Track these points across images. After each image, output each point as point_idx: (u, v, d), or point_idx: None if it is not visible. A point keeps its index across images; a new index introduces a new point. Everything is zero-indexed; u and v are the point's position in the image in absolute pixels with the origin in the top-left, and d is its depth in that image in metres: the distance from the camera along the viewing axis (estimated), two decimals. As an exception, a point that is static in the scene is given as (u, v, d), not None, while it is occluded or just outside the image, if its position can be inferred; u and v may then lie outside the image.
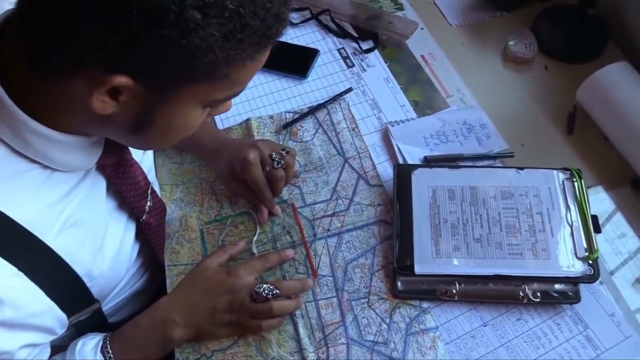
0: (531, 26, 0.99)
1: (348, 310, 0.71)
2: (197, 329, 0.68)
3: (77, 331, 0.69)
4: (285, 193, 0.81)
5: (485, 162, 0.83)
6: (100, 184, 0.65)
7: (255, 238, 0.77)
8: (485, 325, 0.70)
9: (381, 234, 0.77)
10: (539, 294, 0.69)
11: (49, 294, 0.57)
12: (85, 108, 0.48)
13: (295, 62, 0.97)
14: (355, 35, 1.01)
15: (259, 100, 0.93)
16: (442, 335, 0.69)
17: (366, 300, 0.72)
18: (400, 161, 0.83)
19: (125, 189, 0.67)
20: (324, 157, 0.85)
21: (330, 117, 0.90)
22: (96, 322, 0.70)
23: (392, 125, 0.87)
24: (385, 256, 0.75)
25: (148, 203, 0.72)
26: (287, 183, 0.79)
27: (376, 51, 0.99)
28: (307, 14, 1.04)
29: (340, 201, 0.81)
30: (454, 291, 0.70)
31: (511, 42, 0.96)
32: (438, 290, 0.71)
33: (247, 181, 0.76)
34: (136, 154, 0.70)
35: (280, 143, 0.86)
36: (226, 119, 0.91)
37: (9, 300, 0.52)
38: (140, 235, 0.75)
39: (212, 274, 0.71)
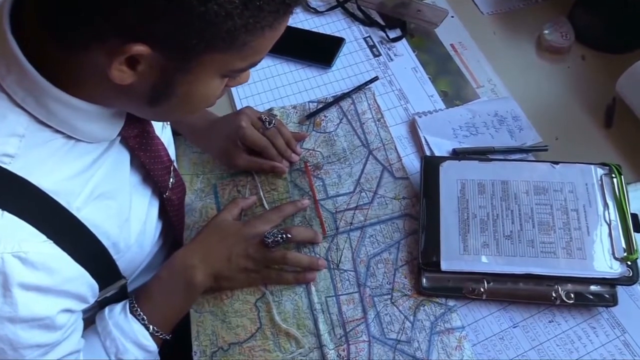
0: (568, 14, 0.94)
1: (370, 306, 0.69)
2: (216, 274, 0.69)
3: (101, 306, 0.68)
4: (305, 183, 0.79)
5: (518, 156, 0.79)
6: (124, 156, 0.64)
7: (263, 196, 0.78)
8: (515, 327, 0.66)
9: (406, 228, 0.74)
10: (572, 296, 0.66)
11: (79, 261, 0.56)
12: (105, 78, 0.48)
13: (320, 51, 0.94)
14: (382, 23, 0.97)
15: (282, 90, 0.91)
16: (468, 336, 0.66)
17: (389, 296, 0.69)
18: (428, 154, 0.80)
19: (149, 162, 0.67)
20: (348, 148, 0.83)
21: (355, 107, 0.87)
22: (119, 295, 0.69)
23: (420, 117, 0.84)
24: (410, 251, 0.72)
25: (171, 179, 0.71)
26: (289, 144, 0.81)
27: (404, 40, 0.95)
28: (332, 1, 1.01)
29: (363, 194, 0.78)
30: (482, 290, 0.67)
31: (546, 31, 0.91)
32: (465, 288, 0.68)
33: (250, 147, 0.78)
34: (155, 129, 0.69)
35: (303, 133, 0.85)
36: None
37: (43, 266, 0.52)
38: (162, 213, 0.74)
39: (228, 225, 0.72)
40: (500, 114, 0.83)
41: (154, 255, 0.76)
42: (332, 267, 0.72)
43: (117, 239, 0.63)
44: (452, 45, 0.94)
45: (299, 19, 1.00)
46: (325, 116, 0.86)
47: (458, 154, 0.79)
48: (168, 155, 0.70)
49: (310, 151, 0.83)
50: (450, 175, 0.74)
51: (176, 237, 0.79)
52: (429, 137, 0.82)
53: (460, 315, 0.67)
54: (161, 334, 0.67)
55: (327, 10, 1.01)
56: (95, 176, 0.58)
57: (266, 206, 0.77)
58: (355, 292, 0.70)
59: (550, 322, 0.66)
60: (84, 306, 0.60)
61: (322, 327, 0.68)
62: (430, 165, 0.75)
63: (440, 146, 0.81)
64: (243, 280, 0.71)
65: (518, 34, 0.95)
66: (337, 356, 0.66)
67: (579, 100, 0.85)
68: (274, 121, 0.79)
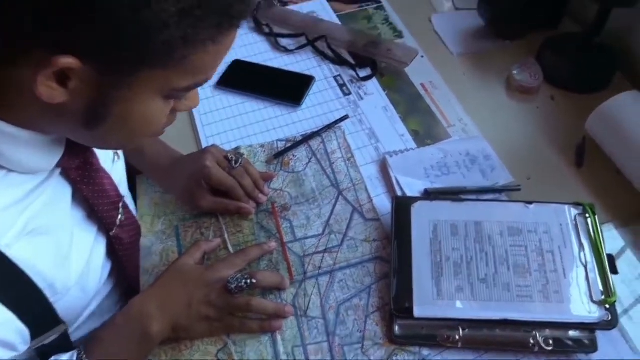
0: (536, 55, 0.95)
1: (340, 356, 0.64)
2: (174, 324, 0.64)
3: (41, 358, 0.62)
4: (272, 225, 0.75)
5: (490, 196, 0.77)
6: (66, 189, 0.60)
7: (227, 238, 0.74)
8: (492, 376, 0.63)
9: (377, 272, 0.71)
10: (551, 342, 0.63)
11: (7, 304, 0.51)
12: (34, 97, 0.44)
13: (289, 89, 0.93)
14: (353, 62, 0.97)
15: (250, 128, 0.89)
16: (444, 387, 0.62)
17: (360, 345, 0.65)
18: (399, 194, 0.78)
19: (93, 196, 0.62)
20: (317, 188, 0.80)
21: (325, 146, 0.85)
22: (63, 350, 0.63)
23: (391, 156, 0.82)
24: (382, 297, 0.69)
25: (120, 216, 0.67)
26: (257, 184, 0.78)
27: (374, 79, 0.95)
28: (303, 40, 1.00)
29: (333, 236, 0.75)
30: (458, 337, 0.64)
31: (515, 72, 0.92)
32: (440, 336, 0.64)
33: (214, 187, 0.75)
34: (104, 163, 0.65)
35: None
36: (215, 147, 0.86)
37: None
38: (112, 255, 0.69)
39: (189, 270, 0.67)
40: (472, 154, 0.82)
41: (103, 299, 0.70)
42: (299, 314, 0.68)
43: (54, 279, 0.58)
44: (422, 84, 0.93)
45: (268, 57, 0.99)
46: (294, 155, 0.84)
47: (430, 194, 0.77)
48: (116, 190, 0.66)
49: (278, 191, 0.80)
50: (422, 216, 0.72)
51: (129, 281, 0.73)
52: (400, 177, 0.79)
53: (435, 365, 0.63)
54: None
55: (297, 49, 1.00)
56: (29, 209, 0.53)
57: (231, 249, 0.73)
58: (324, 342, 0.66)
59: (529, 371, 0.63)
60: (13, 354, 0.54)
61: (289, 380, 0.63)
62: (402, 205, 0.73)
63: (411, 186, 0.78)
64: (204, 330, 0.66)
65: (488, 75, 0.95)
66: (305, 412, 0.61)
67: (550, 140, 0.84)
68: (240, 160, 0.76)
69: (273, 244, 0.73)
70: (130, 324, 0.63)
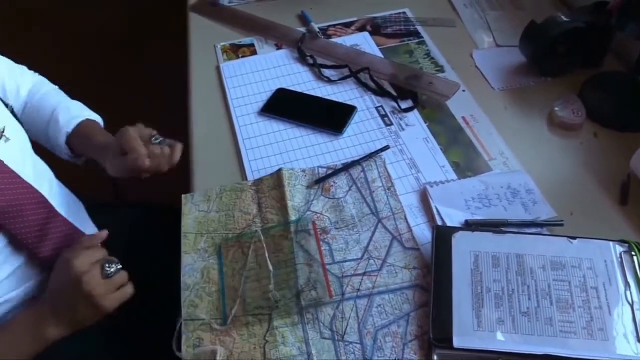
0: (578, 92, 0.95)
1: (377, 383, 0.64)
2: (69, 321, 0.72)
3: None
4: (312, 247, 0.76)
5: (532, 230, 0.76)
6: None
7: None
8: (533, 413, 0.61)
9: (416, 300, 0.71)
10: (595, 381, 0.61)
11: None
12: None
13: (331, 118, 0.95)
14: (394, 94, 0.99)
15: (292, 154, 0.91)
16: (483, 421, 0.61)
17: (397, 373, 0.65)
18: (439, 224, 0.78)
19: None
20: (356, 215, 0.81)
21: (365, 174, 0.86)
22: None
23: (431, 186, 0.83)
24: (420, 325, 0.68)
25: None
26: (172, 159, 0.84)
27: (415, 111, 0.96)
28: (345, 71, 1.03)
29: (372, 261, 0.75)
30: (497, 370, 0.63)
31: (557, 108, 0.92)
32: (479, 368, 0.63)
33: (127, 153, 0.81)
34: None
35: (311, 198, 0.83)
36: (257, 171, 0.88)
37: None
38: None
39: (71, 272, 0.72)
40: (513, 187, 0.82)
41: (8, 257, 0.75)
42: (336, 338, 0.68)
43: None
44: (463, 117, 0.94)
45: (311, 86, 1.02)
46: (334, 182, 0.85)
47: (470, 225, 0.77)
48: None
49: (318, 214, 0.81)
50: (463, 247, 0.71)
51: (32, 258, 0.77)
52: (440, 207, 0.80)
53: (473, 398, 0.62)
54: None
55: (339, 80, 1.02)
56: None
57: (270, 268, 0.74)
58: (361, 367, 0.66)
59: (571, 409, 0.61)
60: None
61: (324, 405, 0.63)
62: (443, 235, 0.73)
63: (452, 217, 0.78)
64: (95, 315, 0.73)
65: (529, 110, 0.95)
66: None
67: (593, 176, 0.84)
68: (164, 140, 0.84)
69: (105, 232, 0.78)
70: (27, 330, 0.71)
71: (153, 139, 0.83)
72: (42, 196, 0.79)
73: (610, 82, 0.94)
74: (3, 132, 0.78)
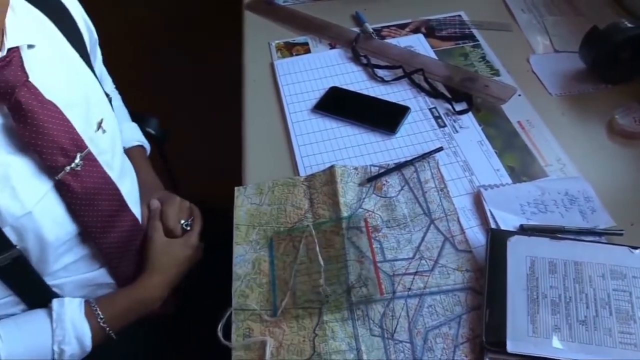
0: (639, 100, 0.92)
1: (426, 384, 0.64)
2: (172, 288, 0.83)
3: (3, 282, 0.67)
4: (363, 244, 0.76)
5: (590, 238, 0.75)
6: None
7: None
8: None
9: (468, 302, 0.70)
10: (656, 396, 0.59)
11: None
12: None
13: (384, 118, 0.95)
14: (449, 95, 0.98)
15: (345, 152, 0.91)
16: None
17: (448, 375, 0.64)
18: (493, 227, 0.77)
19: (30, 135, 0.63)
20: (409, 215, 0.80)
21: (418, 175, 0.85)
22: (24, 278, 0.69)
23: (486, 189, 0.82)
24: (473, 328, 0.67)
25: (72, 164, 0.68)
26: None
27: (470, 113, 0.95)
28: (399, 72, 1.02)
29: (423, 261, 0.74)
30: (552, 378, 0.61)
31: (618, 115, 0.90)
32: (533, 374, 0.62)
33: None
34: (83, 132, 0.71)
35: (363, 196, 0.83)
36: (309, 167, 0.89)
37: None
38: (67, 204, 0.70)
39: (163, 241, 0.84)
40: (571, 194, 0.80)
41: (69, 252, 0.73)
42: (386, 336, 0.68)
43: None
44: (519, 122, 0.93)
45: (365, 86, 1.02)
46: (387, 181, 0.85)
47: (526, 230, 0.75)
48: (72, 138, 0.68)
49: (370, 212, 0.81)
50: (518, 251, 0.70)
51: (100, 247, 0.77)
52: (495, 210, 0.79)
53: (526, 405, 0.61)
54: (110, 331, 0.75)
55: (393, 80, 1.02)
56: None
57: (322, 262, 0.74)
58: (411, 366, 0.65)
59: (630, 423, 0.59)
60: None
61: (373, 401, 0.63)
62: (498, 238, 0.72)
63: (506, 221, 0.77)
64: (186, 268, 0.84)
65: (588, 116, 0.93)
66: None
67: (656, 187, 0.81)
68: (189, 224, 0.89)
69: (156, 202, 0.88)
70: (137, 305, 0.79)
71: (184, 224, 0.87)
72: (117, 189, 0.77)
73: (675, 91, 0.91)
74: (101, 123, 0.76)
